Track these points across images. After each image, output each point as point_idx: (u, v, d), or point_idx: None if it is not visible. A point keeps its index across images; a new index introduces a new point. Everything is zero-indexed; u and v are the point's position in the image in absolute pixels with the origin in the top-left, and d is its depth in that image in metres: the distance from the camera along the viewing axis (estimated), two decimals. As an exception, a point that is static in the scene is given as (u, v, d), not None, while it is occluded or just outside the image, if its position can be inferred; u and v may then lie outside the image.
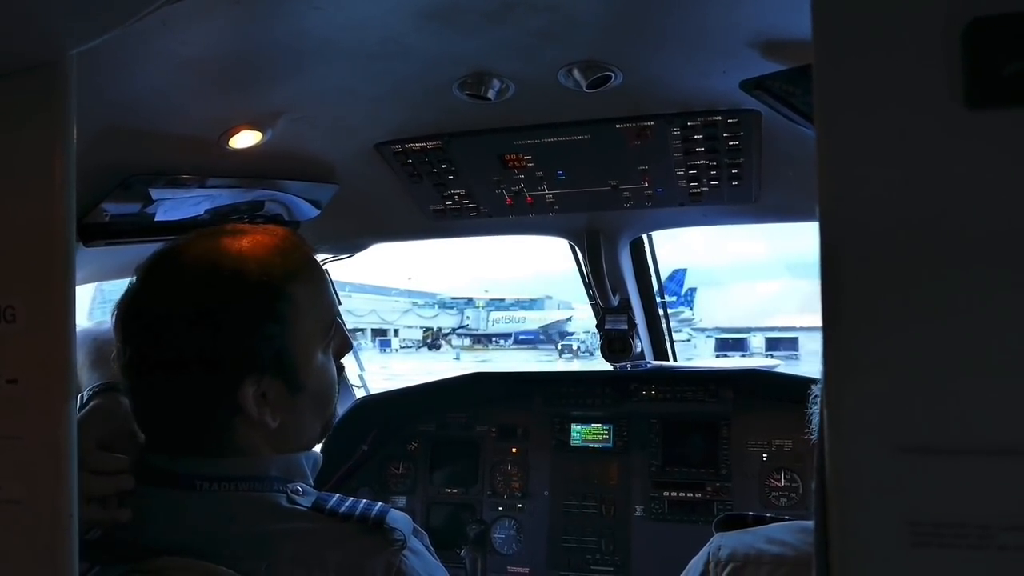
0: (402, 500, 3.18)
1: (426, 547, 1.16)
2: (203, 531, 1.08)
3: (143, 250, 1.96)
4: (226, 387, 1.11)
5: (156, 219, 1.84)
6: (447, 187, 2.18)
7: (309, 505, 1.12)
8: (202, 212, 1.94)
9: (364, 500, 1.15)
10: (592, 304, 3.06)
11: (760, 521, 1.41)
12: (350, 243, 2.70)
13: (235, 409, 1.12)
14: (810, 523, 1.32)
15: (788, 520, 1.41)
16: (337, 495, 1.15)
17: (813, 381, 1.42)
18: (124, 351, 1.15)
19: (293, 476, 1.17)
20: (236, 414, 1.12)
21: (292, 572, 1.06)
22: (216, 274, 1.13)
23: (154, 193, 1.73)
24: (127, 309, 1.16)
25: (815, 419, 1.46)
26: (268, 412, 1.14)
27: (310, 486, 1.18)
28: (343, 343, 1.29)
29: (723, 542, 1.36)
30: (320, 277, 1.24)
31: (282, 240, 1.21)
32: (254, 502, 1.11)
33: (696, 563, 1.40)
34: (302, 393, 1.18)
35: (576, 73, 1.53)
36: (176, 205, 1.84)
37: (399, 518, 1.13)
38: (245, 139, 1.68)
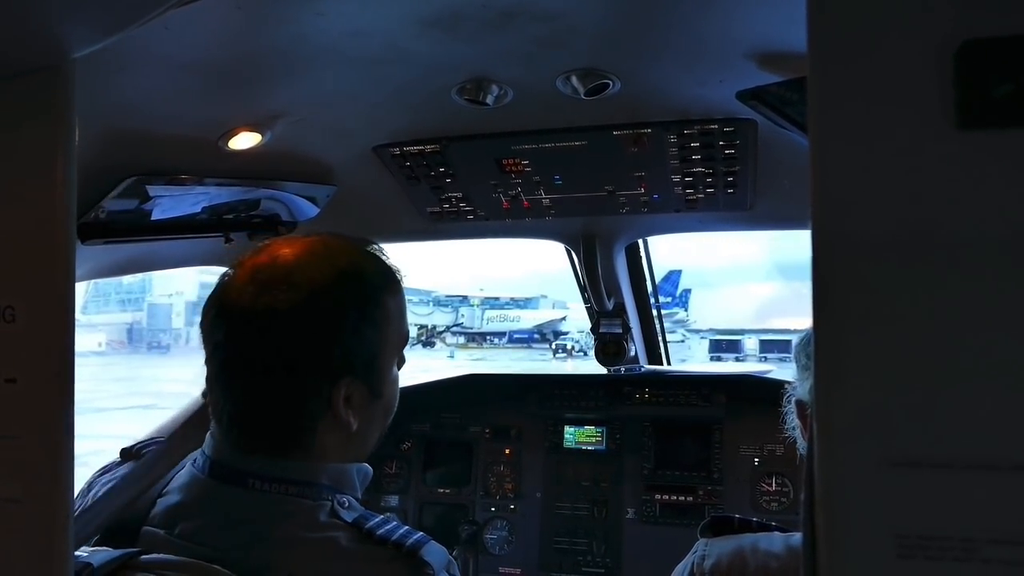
0: (395, 500, 3.18)
1: None
2: (238, 528, 1.09)
3: (140, 248, 1.98)
4: (324, 387, 1.13)
5: (154, 218, 1.84)
6: (444, 190, 2.19)
7: (350, 520, 1.12)
8: (199, 211, 1.94)
9: (406, 527, 1.15)
10: (587, 308, 3.07)
11: (745, 526, 1.40)
12: (347, 244, 2.70)
13: (325, 409, 1.14)
14: (794, 533, 1.32)
15: (774, 526, 1.41)
16: (381, 516, 1.15)
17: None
18: (225, 348, 1.14)
19: (343, 487, 1.18)
20: (324, 415, 1.15)
21: None
22: (330, 276, 1.14)
23: (152, 191, 1.73)
24: (230, 306, 1.14)
25: (790, 417, 1.47)
26: (352, 414, 1.16)
27: (357, 500, 1.19)
28: (402, 358, 1.31)
29: (707, 551, 1.34)
30: (402, 291, 1.26)
31: (375, 250, 1.25)
32: (297, 508, 1.11)
33: (681, 573, 1.39)
34: (380, 400, 1.22)
35: (574, 80, 1.54)
36: (174, 204, 1.85)
37: (435, 551, 1.12)
38: (244, 140, 1.69)
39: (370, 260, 1.22)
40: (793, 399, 1.41)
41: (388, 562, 1.09)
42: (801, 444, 1.42)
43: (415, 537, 1.12)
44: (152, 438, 1.38)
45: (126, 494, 1.20)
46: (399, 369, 1.29)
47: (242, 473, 1.12)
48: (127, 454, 1.34)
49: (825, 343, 0.57)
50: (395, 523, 1.14)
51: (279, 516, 1.10)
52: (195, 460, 1.20)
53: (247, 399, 1.15)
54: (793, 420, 1.43)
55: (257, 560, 1.05)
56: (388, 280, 1.22)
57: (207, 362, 1.18)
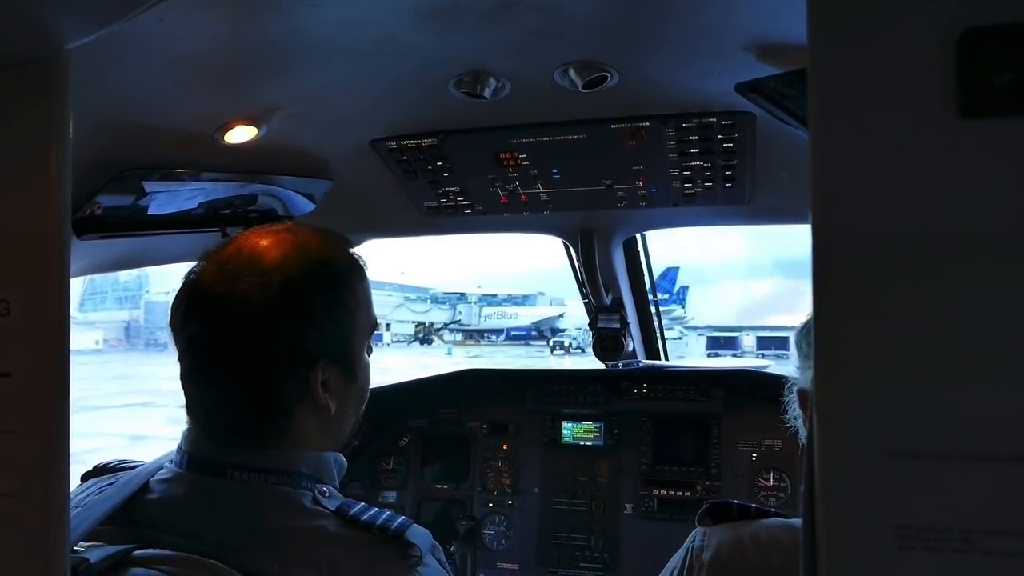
0: (392, 495, 3.19)
1: (440, 561, 1.17)
2: (223, 520, 1.09)
3: (136, 243, 1.97)
4: (301, 372, 1.15)
5: (149, 213, 1.83)
6: (442, 184, 2.18)
7: (333, 508, 1.13)
8: (195, 206, 1.93)
9: (388, 511, 1.15)
10: (585, 303, 3.07)
11: (744, 513, 1.37)
12: (344, 239, 2.69)
13: (304, 393, 1.16)
14: (796, 522, 1.31)
15: (774, 512, 1.39)
16: (362, 503, 1.16)
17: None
18: (200, 342, 1.15)
19: (321, 476, 1.19)
20: (303, 399, 1.16)
21: (303, 573, 1.05)
22: (300, 261, 1.16)
23: (148, 187, 1.72)
24: (202, 300, 1.15)
25: (792, 407, 1.46)
26: (329, 398, 1.18)
27: (336, 488, 1.19)
28: (370, 347, 1.34)
29: (706, 541, 1.32)
30: (367, 279, 1.29)
31: (342, 239, 1.28)
32: (280, 497, 1.12)
33: (677, 562, 1.37)
34: (355, 384, 1.25)
35: (572, 73, 1.53)
36: (170, 199, 1.84)
37: (419, 533, 1.13)
38: (240, 134, 1.68)
39: (336, 247, 1.25)
40: (795, 388, 1.40)
41: (377, 546, 1.10)
42: (803, 434, 1.42)
43: (398, 521, 1.13)
44: (117, 460, 1.36)
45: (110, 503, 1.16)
46: (368, 356, 1.32)
47: (221, 465, 1.13)
48: (88, 477, 1.32)
49: (825, 335, 0.57)
50: (376, 509, 1.15)
51: (264, 505, 1.11)
52: (172, 458, 1.20)
53: (225, 391, 1.15)
54: (795, 409, 1.43)
55: (247, 550, 1.05)
56: (355, 266, 1.26)
57: (180, 358, 1.18)
